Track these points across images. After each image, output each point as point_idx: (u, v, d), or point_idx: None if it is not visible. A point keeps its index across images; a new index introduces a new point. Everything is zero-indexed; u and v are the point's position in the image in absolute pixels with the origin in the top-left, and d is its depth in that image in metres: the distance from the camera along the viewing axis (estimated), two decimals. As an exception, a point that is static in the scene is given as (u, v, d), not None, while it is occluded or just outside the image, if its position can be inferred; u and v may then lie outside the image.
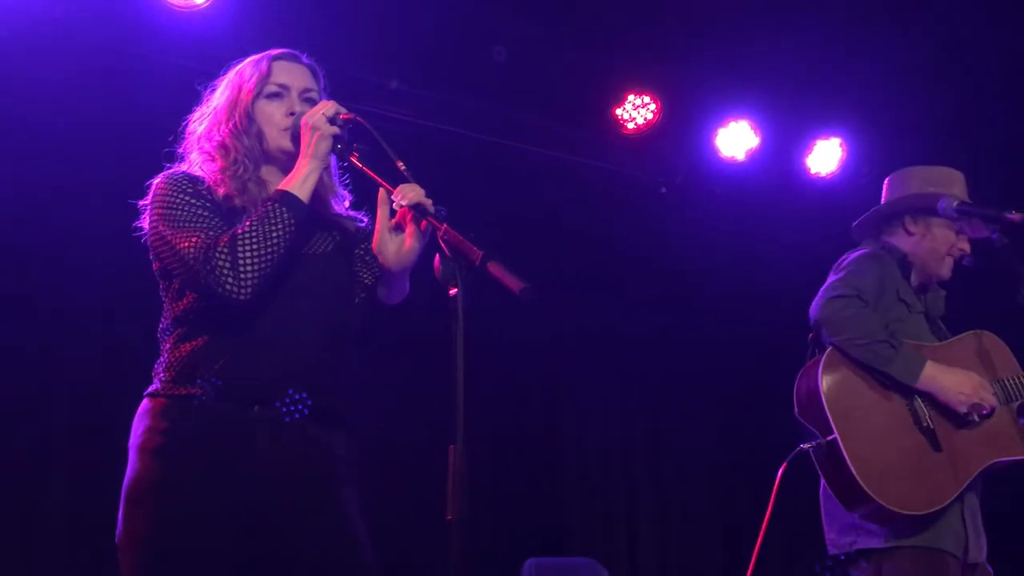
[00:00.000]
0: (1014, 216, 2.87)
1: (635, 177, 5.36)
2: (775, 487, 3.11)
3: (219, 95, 2.28)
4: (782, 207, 5.47)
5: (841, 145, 5.36)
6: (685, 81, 5.06)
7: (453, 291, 1.83)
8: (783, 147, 5.35)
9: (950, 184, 3.11)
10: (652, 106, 5.02)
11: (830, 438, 2.82)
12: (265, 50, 2.30)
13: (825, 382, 2.86)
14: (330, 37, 4.04)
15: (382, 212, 2.13)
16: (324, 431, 2.17)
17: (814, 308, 2.94)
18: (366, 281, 2.30)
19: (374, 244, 2.16)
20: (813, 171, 5.38)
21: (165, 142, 2.32)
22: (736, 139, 5.21)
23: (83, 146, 4.03)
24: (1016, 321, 3.01)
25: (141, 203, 2.21)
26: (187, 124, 2.30)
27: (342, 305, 2.25)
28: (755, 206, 5.44)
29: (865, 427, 2.83)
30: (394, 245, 2.14)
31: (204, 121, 2.27)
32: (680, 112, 5.12)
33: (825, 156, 5.36)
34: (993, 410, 2.90)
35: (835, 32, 4.73)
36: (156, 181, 2.18)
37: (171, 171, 2.21)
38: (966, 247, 3.09)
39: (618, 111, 5.03)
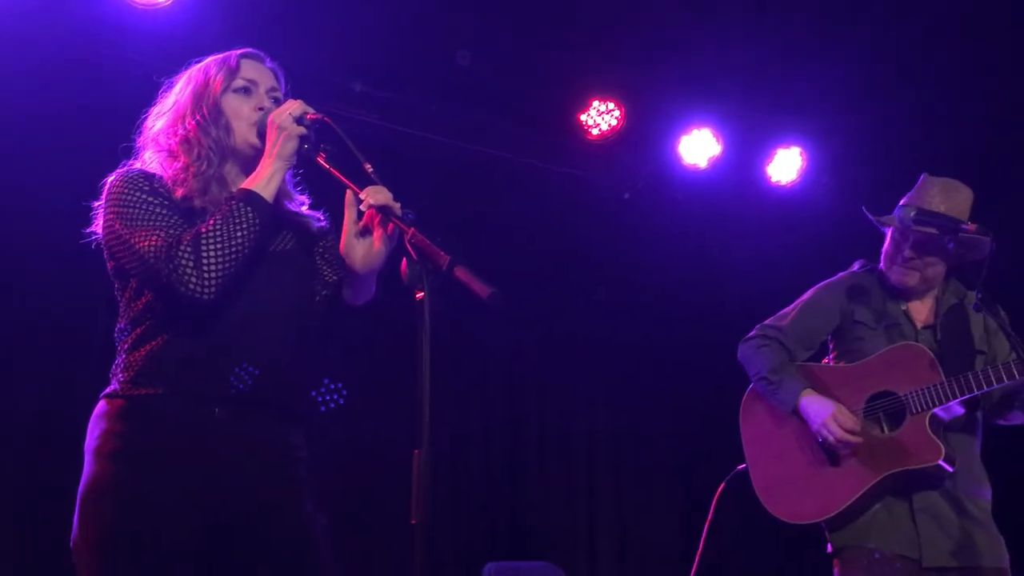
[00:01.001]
0: (968, 226, 2.92)
1: (599, 182, 5.39)
2: (713, 503, 3.43)
3: (180, 91, 2.24)
4: (743, 214, 5.52)
5: (801, 154, 5.43)
6: (649, 88, 5.10)
7: (420, 295, 1.83)
8: (744, 155, 5.41)
9: (919, 197, 3.11)
10: (616, 112, 5.05)
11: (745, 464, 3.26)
12: (229, 49, 2.28)
13: (742, 415, 3.30)
14: (295, 37, 4.02)
15: (349, 214, 2.11)
16: (285, 431, 2.15)
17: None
18: (328, 278, 2.29)
19: (341, 246, 2.14)
20: (773, 179, 5.45)
21: (126, 139, 2.29)
22: (698, 147, 5.26)
23: (44, 143, 3.97)
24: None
25: (95, 204, 2.16)
26: (144, 120, 2.27)
27: (304, 303, 2.23)
28: (716, 213, 5.50)
29: (767, 451, 3.18)
30: (362, 248, 2.12)
31: (163, 117, 2.23)
32: (644, 119, 5.16)
33: (785, 165, 5.43)
34: (846, 443, 2.97)
35: (797, 43, 4.79)
36: (110, 180, 2.14)
37: (125, 169, 2.17)
38: (904, 252, 3.07)
39: (582, 117, 5.05)
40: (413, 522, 1.77)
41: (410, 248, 1.91)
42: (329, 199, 2.29)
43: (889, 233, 3.15)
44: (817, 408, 3.02)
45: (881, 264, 3.20)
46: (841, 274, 3.29)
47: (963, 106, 5.04)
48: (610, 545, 5.62)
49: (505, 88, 4.83)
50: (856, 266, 3.30)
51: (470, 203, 5.15)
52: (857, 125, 5.22)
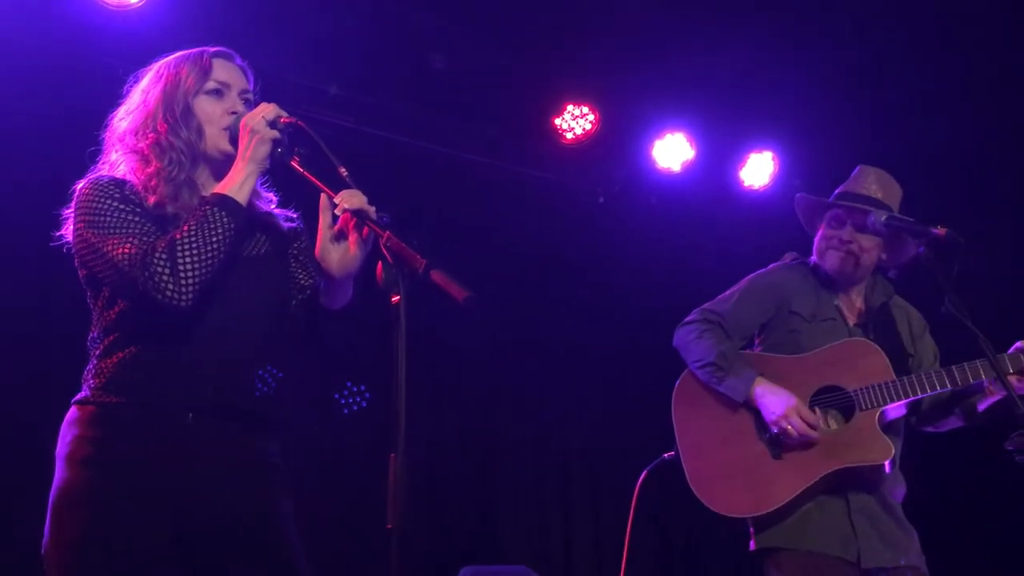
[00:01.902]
0: (939, 231, 2.94)
1: (573, 186, 5.41)
2: (636, 489, 3.34)
3: (149, 88, 2.20)
4: (716, 218, 5.56)
5: (773, 159, 5.48)
6: (623, 93, 5.12)
7: (395, 299, 1.82)
8: (718, 160, 5.45)
9: (855, 183, 3.15)
10: (591, 116, 5.07)
11: (677, 448, 3.12)
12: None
13: (676, 399, 3.18)
14: (269, 40, 4.00)
15: (324, 218, 2.10)
16: (260, 437, 2.14)
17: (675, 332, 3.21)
18: (303, 282, 2.27)
19: (316, 250, 2.13)
20: (746, 183, 5.50)
21: (96, 142, 2.26)
22: (672, 151, 5.29)
23: (14, 145, 3.92)
24: (942, 331, 3.11)
25: (65, 212, 2.14)
26: (111, 118, 2.24)
27: (279, 308, 2.22)
28: (690, 217, 5.53)
29: (705, 440, 3.07)
30: (337, 252, 2.11)
31: (131, 116, 2.20)
32: (618, 123, 5.19)
33: (758, 169, 5.48)
34: (806, 437, 2.92)
35: (769, 48, 4.84)
36: (80, 187, 2.11)
37: (95, 176, 2.14)
38: (845, 236, 3.07)
39: (557, 121, 5.07)
40: (389, 526, 1.77)
41: (386, 252, 1.90)
42: (304, 203, 2.28)
43: (827, 221, 3.14)
44: (775, 399, 2.94)
45: (813, 254, 3.18)
46: (774, 265, 3.27)
47: (935, 111, 5.10)
48: (586, 549, 5.62)
49: (480, 92, 4.83)
50: (788, 258, 3.27)
51: (445, 207, 5.15)
52: (829, 130, 5.27)
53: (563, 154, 5.19)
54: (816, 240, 3.17)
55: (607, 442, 5.85)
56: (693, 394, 3.15)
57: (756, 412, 3.02)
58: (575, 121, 5.07)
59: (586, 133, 5.09)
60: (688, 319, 3.19)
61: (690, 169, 5.34)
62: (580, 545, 5.61)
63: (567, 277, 5.69)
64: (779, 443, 2.98)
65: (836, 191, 3.18)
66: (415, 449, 4.78)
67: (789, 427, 2.91)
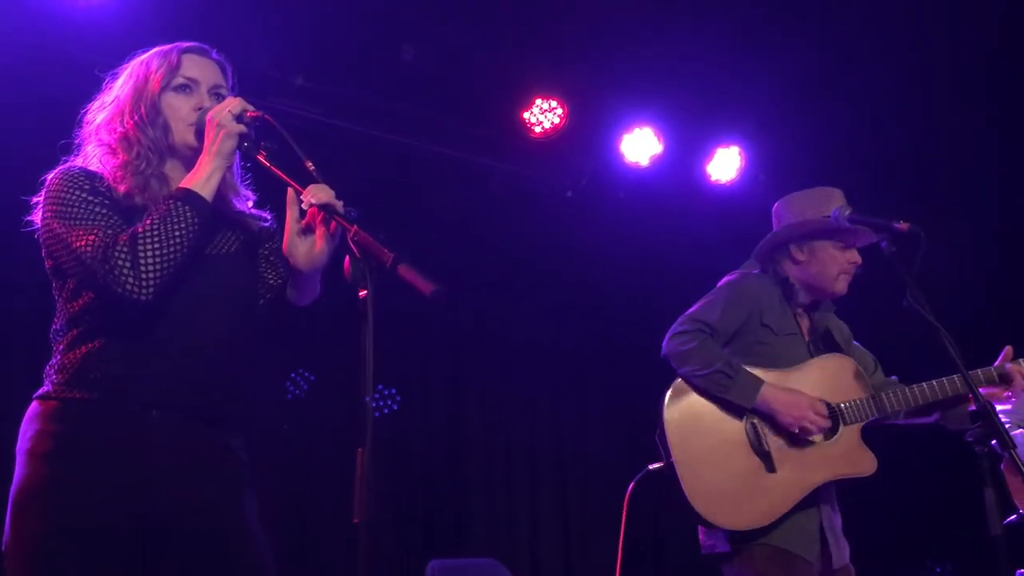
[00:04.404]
0: (901, 225, 2.98)
1: (541, 180, 5.42)
2: (626, 502, 3.32)
3: (122, 85, 2.20)
4: (683, 212, 5.61)
5: (740, 153, 5.53)
6: (592, 87, 5.14)
7: (363, 293, 1.82)
8: (685, 154, 5.49)
9: (826, 205, 3.14)
10: (559, 110, 5.09)
11: (670, 461, 3.04)
12: (169, 42, 2.24)
13: (668, 411, 3.09)
14: (235, 30, 3.96)
15: (291, 213, 2.08)
16: (224, 433, 2.13)
17: (664, 341, 3.13)
18: (271, 281, 2.26)
19: (284, 245, 2.12)
20: (713, 178, 5.54)
21: (64, 134, 2.24)
22: (640, 145, 5.33)
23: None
24: (904, 325, 3.15)
25: (34, 199, 2.12)
26: (85, 113, 2.22)
27: (246, 307, 2.20)
28: (657, 211, 5.57)
29: (701, 453, 3.02)
30: (304, 247, 2.10)
31: (104, 111, 2.19)
32: (586, 117, 5.21)
33: (725, 164, 5.52)
34: (825, 430, 2.99)
35: (736, 45, 4.87)
36: (50, 177, 2.09)
37: (66, 167, 2.12)
38: (856, 259, 3.15)
39: (526, 114, 5.08)
40: (356, 520, 1.76)
41: (353, 246, 1.89)
42: (272, 196, 2.26)
43: (833, 246, 3.13)
44: (788, 399, 2.97)
45: (810, 279, 3.18)
46: (744, 272, 3.24)
47: (898, 109, 5.17)
48: (553, 541, 5.65)
49: (449, 84, 4.83)
50: (756, 269, 3.25)
51: (412, 199, 5.14)
52: (794, 126, 5.32)
53: (532, 148, 5.20)
54: (815, 262, 3.15)
55: (574, 436, 5.87)
56: (686, 405, 3.08)
57: (751, 424, 3.03)
58: (544, 115, 5.09)
59: (555, 127, 5.11)
60: (680, 329, 3.10)
61: (658, 163, 5.38)
62: (547, 538, 5.63)
63: (534, 270, 5.71)
64: (770, 456, 3.00)
65: (834, 212, 3.06)
66: (382, 442, 4.79)
67: (809, 424, 2.95)
